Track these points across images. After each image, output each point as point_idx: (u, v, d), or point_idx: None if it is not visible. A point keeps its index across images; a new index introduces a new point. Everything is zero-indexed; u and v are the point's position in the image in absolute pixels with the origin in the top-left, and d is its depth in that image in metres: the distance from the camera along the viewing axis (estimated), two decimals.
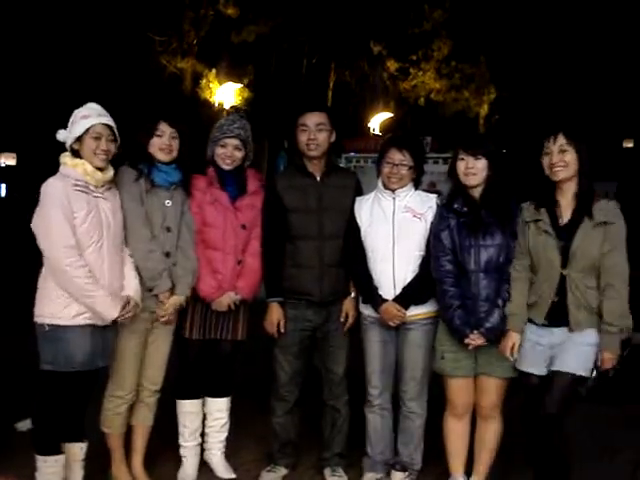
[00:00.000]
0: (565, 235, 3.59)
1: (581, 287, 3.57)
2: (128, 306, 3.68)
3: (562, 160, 3.59)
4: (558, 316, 3.62)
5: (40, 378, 3.61)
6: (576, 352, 3.59)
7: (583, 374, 3.60)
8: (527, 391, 3.76)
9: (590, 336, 3.60)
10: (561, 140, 3.60)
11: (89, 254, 3.58)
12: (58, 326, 3.54)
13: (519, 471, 4.20)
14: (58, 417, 3.65)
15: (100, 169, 3.66)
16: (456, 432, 4.01)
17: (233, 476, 4.30)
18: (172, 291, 3.93)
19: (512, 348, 3.71)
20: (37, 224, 3.55)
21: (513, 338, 3.71)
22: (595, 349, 3.60)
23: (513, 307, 3.72)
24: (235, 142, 4.09)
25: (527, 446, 3.79)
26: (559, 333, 3.64)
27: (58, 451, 3.67)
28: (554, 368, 3.62)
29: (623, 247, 3.59)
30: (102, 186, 3.69)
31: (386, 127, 20.03)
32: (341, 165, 11.47)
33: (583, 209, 3.58)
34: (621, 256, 3.57)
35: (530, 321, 3.71)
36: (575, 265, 3.57)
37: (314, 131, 4.07)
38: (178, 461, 4.27)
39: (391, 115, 21.07)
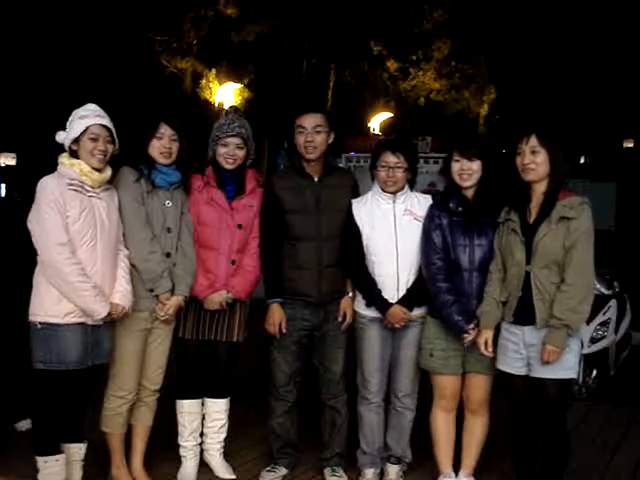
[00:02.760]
0: (530, 233, 3.62)
1: (545, 283, 3.57)
2: (115, 312, 3.69)
3: (533, 162, 3.59)
4: (525, 313, 3.63)
5: (33, 377, 3.61)
6: None
7: (565, 377, 3.63)
8: (509, 391, 3.79)
9: None
10: (533, 141, 3.60)
11: (82, 253, 3.58)
12: (50, 324, 3.55)
13: (508, 467, 4.19)
14: (55, 416, 3.64)
15: (97, 169, 3.66)
16: (445, 428, 4.05)
17: (233, 476, 4.30)
18: (172, 291, 3.93)
19: (486, 344, 3.74)
20: (32, 221, 3.56)
21: (485, 334, 3.74)
22: (569, 349, 3.58)
23: (484, 305, 3.76)
24: (237, 141, 4.08)
25: (512, 444, 3.87)
26: (530, 332, 3.63)
27: (58, 450, 3.67)
28: (534, 375, 3.64)
29: (585, 242, 3.52)
30: (99, 187, 3.69)
31: (386, 127, 20.04)
32: (341, 165, 11.47)
33: (546, 207, 3.59)
34: (582, 251, 3.51)
35: (503, 319, 3.74)
36: (537, 261, 3.58)
37: (311, 133, 4.06)
38: (178, 461, 4.27)
39: (391, 115, 21.09)
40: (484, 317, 3.76)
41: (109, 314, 3.65)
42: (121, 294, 3.74)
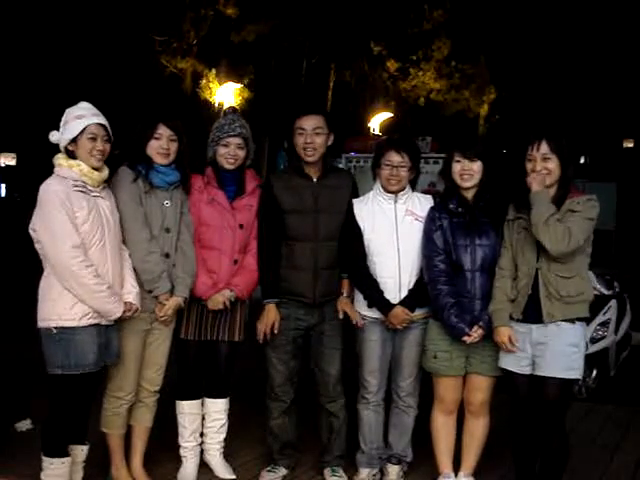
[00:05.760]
0: None
1: (551, 277, 3.59)
2: (129, 312, 3.69)
3: (545, 168, 3.61)
4: (533, 311, 3.64)
5: (49, 383, 3.58)
6: (559, 354, 3.60)
7: (570, 377, 3.64)
8: (512, 391, 3.80)
9: (572, 336, 3.62)
10: (544, 148, 3.61)
11: (92, 253, 3.56)
12: (66, 328, 3.51)
13: (507, 468, 4.20)
14: (67, 419, 3.63)
15: (96, 169, 3.65)
16: (445, 428, 4.05)
17: (233, 476, 4.30)
18: (172, 292, 3.93)
19: (510, 340, 3.70)
20: (38, 227, 3.51)
21: (506, 332, 3.71)
22: (578, 349, 3.63)
23: (496, 303, 3.74)
24: (238, 141, 4.08)
25: (513, 443, 3.88)
26: (538, 330, 3.64)
27: (65, 453, 3.66)
28: (540, 373, 3.65)
29: (580, 221, 3.52)
30: (98, 186, 3.68)
31: (386, 127, 20.05)
32: (341, 165, 11.48)
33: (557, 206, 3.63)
34: (572, 224, 3.50)
35: (510, 317, 3.73)
36: (546, 257, 3.59)
37: (311, 134, 4.05)
38: (178, 461, 4.27)
39: (391, 115, 21.10)
40: (497, 315, 3.72)
41: (124, 313, 3.65)
42: (135, 293, 3.74)
